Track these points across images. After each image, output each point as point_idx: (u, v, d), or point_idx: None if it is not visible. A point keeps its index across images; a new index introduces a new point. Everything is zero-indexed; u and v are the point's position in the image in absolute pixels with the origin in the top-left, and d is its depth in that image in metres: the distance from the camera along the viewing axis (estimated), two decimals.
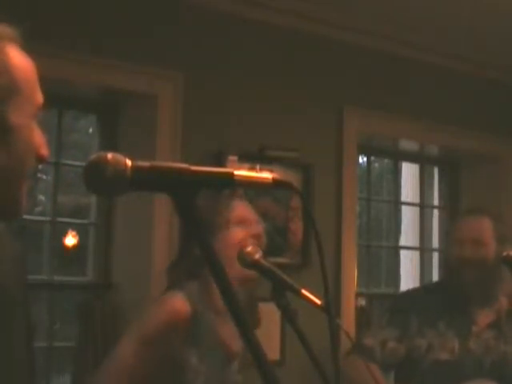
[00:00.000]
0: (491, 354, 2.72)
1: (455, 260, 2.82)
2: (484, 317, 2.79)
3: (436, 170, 4.78)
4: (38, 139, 1.22)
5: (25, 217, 3.14)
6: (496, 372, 2.70)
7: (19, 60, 1.21)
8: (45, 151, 1.23)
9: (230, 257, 2.02)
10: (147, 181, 1.04)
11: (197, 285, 2.12)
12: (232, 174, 1.08)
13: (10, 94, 1.17)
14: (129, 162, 1.02)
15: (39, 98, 1.24)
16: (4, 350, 1.09)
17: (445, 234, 3.09)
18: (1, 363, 1.07)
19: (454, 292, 2.80)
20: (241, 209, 2.22)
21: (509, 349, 2.75)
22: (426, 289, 3.03)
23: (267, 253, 1.92)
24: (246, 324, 1.04)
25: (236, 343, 2.16)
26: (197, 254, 2.10)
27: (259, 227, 2.22)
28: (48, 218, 3.36)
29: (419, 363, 2.72)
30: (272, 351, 3.41)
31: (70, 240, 3.98)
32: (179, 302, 2.05)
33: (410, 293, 3.09)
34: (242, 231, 2.16)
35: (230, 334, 2.13)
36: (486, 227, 2.83)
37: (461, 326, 2.74)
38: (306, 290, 1.82)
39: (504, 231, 2.86)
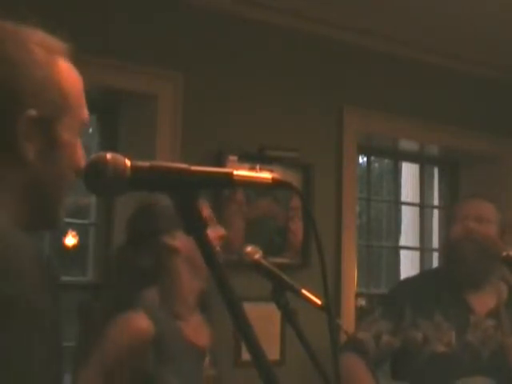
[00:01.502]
0: (489, 345, 2.69)
1: (457, 235, 2.75)
2: (482, 304, 2.74)
3: (436, 170, 4.78)
4: (80, 155, 1.22)
5: None
6: (494, 363, 2.67)
7: (69, 75, 1.20)
8: (83, 164, 1.22)
9: (196, 257, 1.98)
10: (147, 181, 1.05)
11: (154, 293, 2.06)
12: (232, 174, 1.08)
13: (61, 110, 1.16)
14: (128, 162, 1.03)
15: (85, 113, 1.23)
16: (25, 367, 1.03)
17: (446, 218, 3.03)
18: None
19: (452, 272, 2.76)
20: (206, 210, 2.14)
21: (507, 339, 2.72)
22: (420, 278, 2.96)
23: (267, 253, 1.92)
24: (247, 323, 1.04)
25: (202, 338, 2.14)
26: (149, 260, 2.05)
27: (221, 229, 2.16)
28: None
29: (415, 356, 2.69)
30: (272, 351, 3.41)
31: (70, 240, 3.99)
32: (143, 323, 1.97)
33: (404, 284, 3.03)
34: (211, 231, 2.05)
35: (194, 331, 2.11)
36: (488, 207, 2.80)
37: (458, 316, 2.71)
38: (306, 290, 1.82)
39: (504, 220, 2.82)
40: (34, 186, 1.15)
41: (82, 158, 1.22)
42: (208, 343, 2.16)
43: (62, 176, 1.19)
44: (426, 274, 3.08)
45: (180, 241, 2.06)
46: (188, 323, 2.09)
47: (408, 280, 3.06)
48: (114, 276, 2.13)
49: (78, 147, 1.22)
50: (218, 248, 2.08)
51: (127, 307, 1.98)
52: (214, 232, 2.10)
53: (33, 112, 1.10)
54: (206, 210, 2.12)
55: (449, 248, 2.82)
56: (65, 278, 3.41)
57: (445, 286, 2.77)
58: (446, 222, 2.96)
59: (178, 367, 2.00)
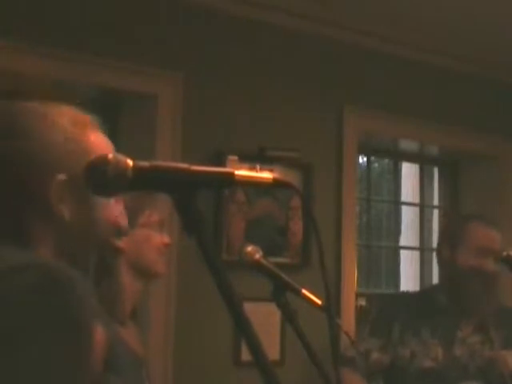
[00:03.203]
0: (476, 360, 2.70)
1: (467, 268, 2.72)
2: (469, 320, 2.76)
3: (436, 170, 4.78)
4: (114, 212, 1.28)
5: None
6: (481, 378, 2.68)
7: (98, 144, 1.34)
8: (121, 222, 1.30)
9: (150, 257, 2.00)
10: (147, 180, 1.05)
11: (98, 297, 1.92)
12: (232, 174, 1.07)
13: None
14: (130, 162, 1.03)
15: None
16: None
17: (451, 237, 2.87)
18: None
19: (451, 301, 2.75)
20: (163, 213, 2.06)
21: (495, 354, 2.72)
22: (410, 296, 3.00)
23: (267, 253, 1.92)
24: (248, 323, 1.04)
25: (139, 346, 2.01)
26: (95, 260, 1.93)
27: (167, 237, 2.07)
28: None
29: (404, 372, 2.71)
30: (272, 351, 3.41)
31: None
32: (98, 329, 1.86)
33: (392, 301, 3.08)
34: (159, 236, 2.03)
35: (132, 339, 1.97)
36: (497, 236, 2.75)
37: (444, 332, 2.72)
38: (306, 290, 1.82)
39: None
40: (70, 240, 1.23)
41: (118, 216, 1.29)
42: (143, 353, 2.04)
43: (97, 230, 1.26)
44: (414, 294, 3.09)
45: (123, 241, 1.92)
46: (127, 329, 1.97)
47: (395, 298, 3.08)
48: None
49: (113, 205, 1.28)
50: (163, 256, 2.02)
51: None
52: (160, 238, 2.03)
53: (62, 176, 1.18)
54: (163, 214, 2.03)
55: (456, 277, 2.76)
56: None
57: (434, 304, 2.77)
58: (451, 239, 2.84)
59: (125, 377, 1.88)
